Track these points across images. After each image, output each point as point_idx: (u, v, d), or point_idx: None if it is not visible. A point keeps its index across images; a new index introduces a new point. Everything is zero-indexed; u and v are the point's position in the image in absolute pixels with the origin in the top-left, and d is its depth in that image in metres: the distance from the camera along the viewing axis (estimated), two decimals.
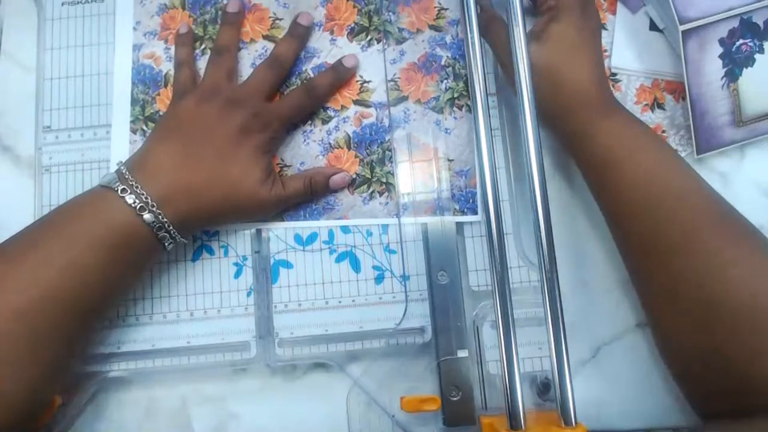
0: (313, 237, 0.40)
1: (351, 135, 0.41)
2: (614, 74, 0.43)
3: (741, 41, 0.39)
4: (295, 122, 0.40)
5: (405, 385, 0.38)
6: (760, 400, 0.30)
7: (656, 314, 0.35)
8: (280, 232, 0.40)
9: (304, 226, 0.40)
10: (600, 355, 0.39)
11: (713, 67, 0.39)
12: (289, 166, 0.40)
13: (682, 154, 0.41)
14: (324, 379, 0.39)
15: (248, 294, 0.39)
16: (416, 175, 0.40)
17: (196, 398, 0.38)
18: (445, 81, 0.41)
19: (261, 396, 0.38)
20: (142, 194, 0.34)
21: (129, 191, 0.34)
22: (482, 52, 0.36)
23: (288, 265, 0.40)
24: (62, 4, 0.43)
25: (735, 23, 0.39)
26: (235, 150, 0.36)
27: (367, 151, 0.40)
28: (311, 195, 0.39)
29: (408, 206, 0.39)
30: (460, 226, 0.40)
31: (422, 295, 0.39)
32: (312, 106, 0.40)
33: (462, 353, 0.37)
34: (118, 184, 0.34)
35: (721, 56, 0.39)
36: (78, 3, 0.43)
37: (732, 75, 0.39)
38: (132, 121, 0.41)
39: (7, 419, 0.30)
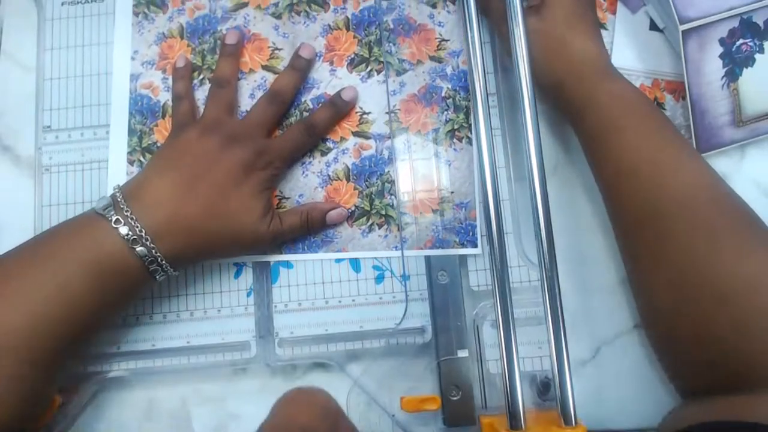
0: None
1: (350, 167, 0.40)
2: None
3: (741, 41, 0.39)
4: (295, 160, 0.40)
5: (405, 385, 0.38)
6: (743, 371, 0.30)
7: (640, 275, 0.36)
8: None
9: (302, 259, 0.39)
10: (600, 355, 0.39)
11: (713, 67, 0.39)
12: (288, 198, 0.40)
13: None
14: (324, 379, 0.39)
15: (248, 294, 0.39)
16: (417, 207, 0.40)
17: (196, 398, 0.38)
18: (445, 112, 0.41)
19: (261, 396, 0.38)
20: (137, 227, 0.33)
21: (123, 222, 0.33)
22: (482, 52, 0.36)
23: (288, 265, 0.40)
24: (62, 3, 0.43)
25: (735, 23, 0.39)
26: (236, 186, 0.36)
27: (367, 183, 0.40)
28: (308, 230, 0.39)
29: (407, 239, 0.39)
30: (463, 258, 0.39)
31: (422, 295, 0.39)
32: (312, 143, 0.40)
33: (462, 353, 0.37)
34: (112, 213, 0.33)
35: (721, 56, 0.39)
36: (78, 3, 0.43)
37: (732, 75, 0.39)
38: (129, 152, 0.41)
39: (3, 422, 0.30)
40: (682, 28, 0.38)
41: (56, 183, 0.41)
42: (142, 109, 0.41)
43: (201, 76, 0.42)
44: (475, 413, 0.37)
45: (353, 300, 0.39)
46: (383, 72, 0.41)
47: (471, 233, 0.39)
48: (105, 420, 0.38)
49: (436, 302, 0.38)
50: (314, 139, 0.40)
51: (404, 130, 0.41)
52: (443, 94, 0.41)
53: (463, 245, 0.39)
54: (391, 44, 0.42)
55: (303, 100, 0.41)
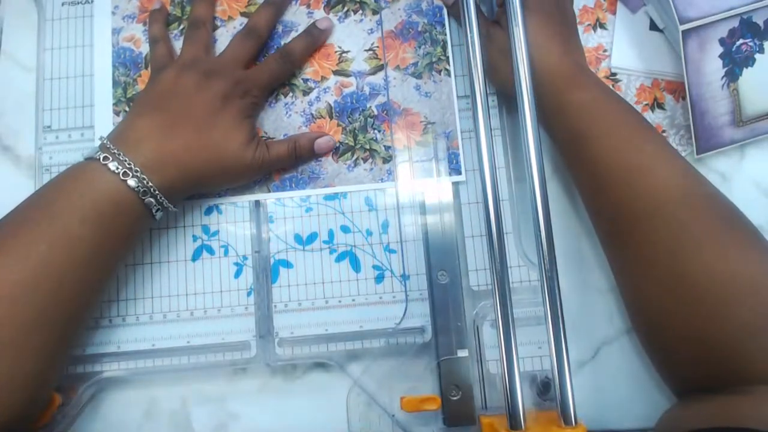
0: (313, 237, 0.40)
1: (332, 104, 0.41)
2: (614, 74, 0.43)
3: (741, 41, 0.39)
4: (273, 89, 0.41)
5: (405, 384, 0.38)
6: (733, 371, 0.31)
7: (625, 278, 0.36)
8: (280, 232, 0.40)
9: (289, 195, 0.40)
10: (600, 356, 0.39)
11: (713, 67, 0.39)
12: (273, 137, 0.41)
13: (683, 154, 0.41)
14: (324, 379, 0.39)
15: (248, 294, 0.39)
16: (400, 140, 0.41)
17: (196, 398, 0.38)
18: (423, 46, 0.42)
19: (261, 396, 0.38)
20: (125, 160, 0.34)
21: (111, 159, 0.34)
22: (482, 52, 0.36)
23: (288, 264, 0.40)
24: (62, 4, 0.43)
25: (735, 23, 0.39)
26: (216, 116, 0.37)
27: (349, 119, 0.41)
28: (296, 159, 0.40)
29: (391, 171, 0.40)
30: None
31: (422, 295, 0.39)
32: (289, 72, 0.41)
33: (462, 353, 0.37)
34: (100, 153, 0.34)
35: (721, 56, 0.39)
36: (78, 3, 0.43)
37: (732, 75, 0.39)
38: (114, 103, 0.42)
39: (2, 416, 0.30)
40: (682, 28, 0.38)
41: None
42: (125, 61, 0.42)
43: (181, 27, 0.42)
44: (475, 413, 0.37)
45: (353, 300, 0.39)
46: (360, 11, 0.42)
47: (455, 161, 0.40)
48: (105, 420, 0.38)
49: (436, 302, 0.38)
50: (290, 66, 0.41)
51: (381, 66, 0.42)
52: (419, 29, 0.42)
53: (448, 174, 0.40)
54: None
55: (281, 43, 0.42)
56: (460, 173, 0.40)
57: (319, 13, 0.43)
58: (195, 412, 0.38)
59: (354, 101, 0.41)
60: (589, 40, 0.43)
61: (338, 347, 0.38)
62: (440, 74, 0.42)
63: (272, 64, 0.40)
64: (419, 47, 0.42)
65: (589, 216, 0.38)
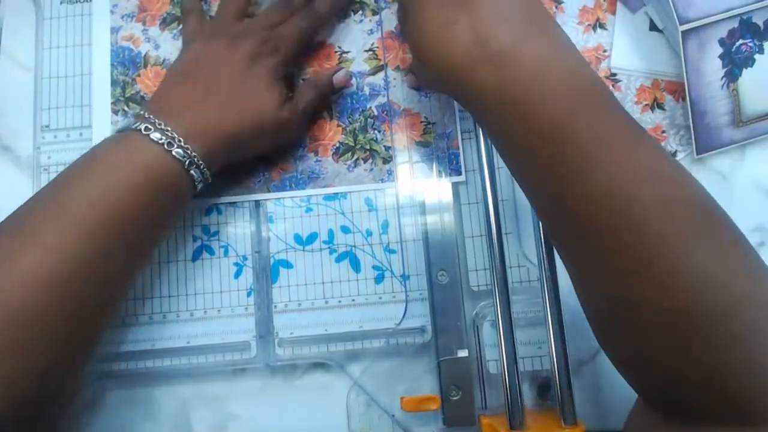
0: (313, 237, 0.40)
1: (333, 105, 0.41)
2: (614, 74, 0.43)
3: (741, 41, 0.39)
4: (302, 48, 0.40)
5: (405, 385, 0.38)
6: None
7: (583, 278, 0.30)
8: (280, 232, 0.40)
9: (289, 195, 0.40)
10: (600, 356, 0.39)
11: (713, 67, 0.39)
12: None
13: (682, 155, 0.41)
14: (324, 379, 0.39)
15: (248, 294, 0.39)
16: (400, 141, 0.41)
17: (196, 398, 0.38)
18: None
19: (261, 396, 0.38)
20: (167, 130, 0.33)
21: (153, 129, 0.33)
22: None
23: (288, 265, 0.40)
24: (60, 2, 0.43)
25: (735, 23, 0.39)
26: (248, 78, 0.36)
27: (350, 119, 0.41)
28: (321, 101, 0.40)
29: (391, 171, 0.40)
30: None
31: (422, 295, 0.39)
32: (317, 26, 0.40)
33: (462, 353, 0.37)
34: (139, 124, 0.33)
35: (721, 56, 0.39)
36: (77, 2, 0.43)
37: (732, 75, 0.39)
38: (113, 102, 0.41)
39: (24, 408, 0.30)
40: (681, 28, 0.38)
41: None
42: (124, 61, 0.42)
43: (180, 26, 0.42)
44: (475, 413, 0.37)
45: (353, 300, 0.39)
46: (360, 12, 0.42)
47: (455, 161, 0.40)
48: (105, 420, 0.38)
49: (436, 302, 0.38)
50: (317, 23, 0.40)
51: (381, 66, 0.42)
52: None
53: (449, 174, 0.40)
54: None
55: None
56: (460, 173, 0.40)
57: None
58: (195, 412, 0.38)
59: (354, 101, 0.41)
60: (589, 40, 0.43)
61: (338, 347, 0.38)
62: None
63: (299, 21, 0.39)
64: None
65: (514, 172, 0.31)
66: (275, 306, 0.39)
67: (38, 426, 0.32)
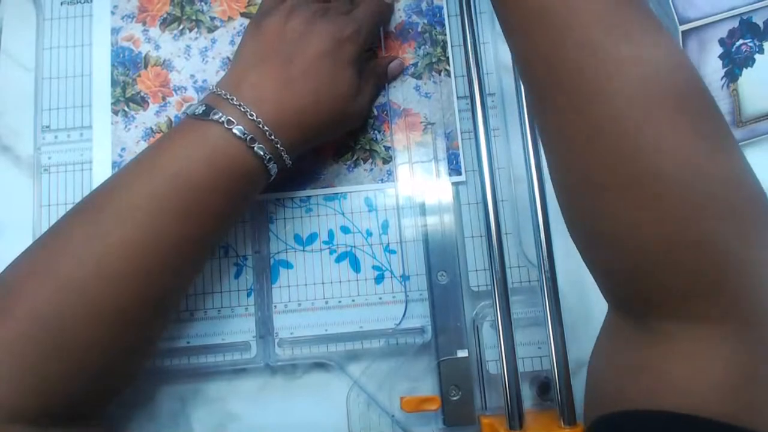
0: (313, 237, 0.40)
1: None
2: None
3: (741, 41, 0.39)
4: (374, 35, 0.39)
5: (405, 385, 0.38)
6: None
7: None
8: (280, 232, 0.40)
9: (289, 195, 0.40)
10: None
11: (713, 68, 0.39)
12: None
13: None
14: (324, 379, 0.39)
15: (248, 294, 0.39)
16: (400, 141, 0.41)
17: (196, 398, 0.38)
18: (423, 47, 0.42)
19: (261, 396, 0.38)
20: (258, 121, 0.31)
21: (236, 122, 0.31)
22: (482, 51, 0.36)
23: (288, 265, 0.40)
24: (61, 3, 0.43)
25: (735, 23, 0.39)
26: (334, 64, 0.34)
27: None
28: (380, 89, 0.41)
29: (391, 171, 0.40)
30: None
31: (422, 295, 0.39)
32: (389, 13, 0.41)
33: (462, 353, 0.37)
34: (221, 115, 0.31)
35: (721, 56, 0.39)
36: (77, 2, 0.43)
37: (732, 75, 0.39)
38: (113, 103, 0.41)
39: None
40: (681, 28, 0.38)
41: (55, 183, 0.41)
42: (124, 61, 0.42)
43: (181, 26, 0.42)
44: (475, 413, 0.37)
45: (353, 300, 0.39)
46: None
47: (455, 162, 0.40)
48: (104, 420, 0.38)
49: (436, 302, 0.38)
50: (387, 9, 0.40)
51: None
52: (419, 30, 0.42)
53: (448, 174, 0.40)
54: None
55: None
56: (460, 173, 0.40)
57: None
58: (195, 412, 0.38)
59: None
60: None
61: (338, 347, 0.38)
62: (440, 75, 0.42)
63: (372, 6, 0.38)
64: (419, 48, 0.42)
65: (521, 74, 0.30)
66: (275, 306, 0.39)
67: (92, 422, 0.32)
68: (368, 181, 0.40)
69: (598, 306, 0.40)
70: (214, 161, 0.31)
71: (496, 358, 0.37)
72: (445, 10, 0.42)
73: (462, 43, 0.40)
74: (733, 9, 0.38)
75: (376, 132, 0.41)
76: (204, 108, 0.32)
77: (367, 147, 0.41)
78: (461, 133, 0.41)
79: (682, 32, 0.38)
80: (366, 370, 0.38)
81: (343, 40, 0.35)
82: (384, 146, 0.41)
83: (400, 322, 0.39)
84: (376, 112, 0.41)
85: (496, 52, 0.42)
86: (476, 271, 0.39)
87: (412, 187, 0.40)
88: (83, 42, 0.43)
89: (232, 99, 0.31)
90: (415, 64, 0.42)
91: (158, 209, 0.30)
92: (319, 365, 0.39)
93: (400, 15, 0.42)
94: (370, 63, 0.40)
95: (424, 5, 0.43)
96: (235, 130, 0.31)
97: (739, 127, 0.40)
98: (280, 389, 0.39)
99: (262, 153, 0.31)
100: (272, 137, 0.32)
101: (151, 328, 0.33)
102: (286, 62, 0.33)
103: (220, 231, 0.34)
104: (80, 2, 0.43)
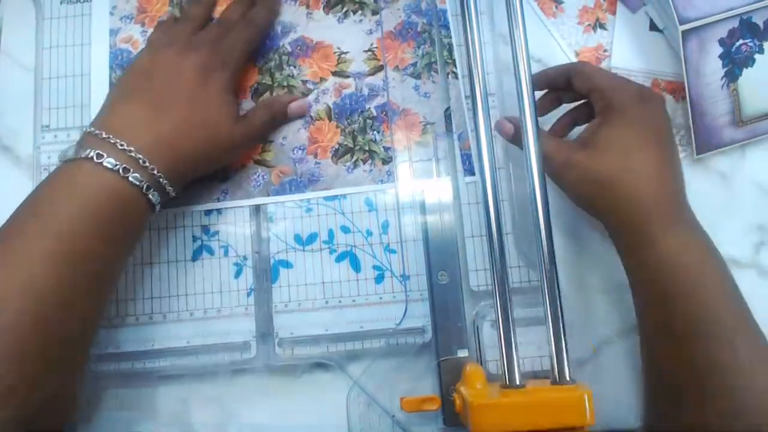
0: (313, 237, 0.40)
1: (331, 106, 0.41)
2: None
3: (741, 41, 0.39)
4: (246, 59, 0.39)
5: (405, 385, 0.38)
6: None
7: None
8: (280, 232, 0.40)
9: (289, 199, 0.40)
10: (600, 356, 0.39)
11: (713, 68, 0.39)
12: (272, 141, 0.41)
13: (682, 154, 0.41)
14: (324, 379, 0.39)
15: (248, 294, 0.39)
16: (400, 141, 0.41)
17: (196, 398, 0.38)
18: (422, 47, 0.42)
19: (261, 396, 0.38)
20: (129, 151, 0.31)
21: (106, 154, 0.31)
22: (482, 51, 0.36)
23: (288, 265, 0.40)
24: (60, 2, 0.43)
25: (735, 23, 0.39)
26: (204, 92, 0.35)
27: (348, 120, 0.41)
28: (273, 125, 0.40)
29: (391, 172, 0.40)
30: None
31: (422, 295, 0.39)
32: (257, 36, 0.40)
33: (462, 353, 0.37)
34: (90, 151, 0.31)
35: (721, 56, 0.39)
36: (77, 1, 0.43)
37: (732, 75, 0.39)
38: None
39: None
40: (681, 28, 0.38)
41: None
42: (123, 63, 0.42)
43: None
44: None
45: (353, 300, 0.39)
46: (359, 12, 0.42)
47: (468, 162, 0.40)
48: (105, 420, 0.38)
49: (436, 302, 0.38)
50: (257, 33, 0.40)
51: (380, 66, 0.42)
52: (419, 29, 0.42)
53: (464, 175, 0.40)
54: None
55: (281, 44, 0.42)
56: (473, 174, 0.40)
57: (319, 14, 0.43)
58: (195, 412, 0.38)
59: (353, 102, 0.41)
60: (589, 40, 0.43)
61: (338, 347, 0.38)
62: (438, 74, 0.41)
63: (241, 33, 0.39)
64: (418, 47, 0.42)
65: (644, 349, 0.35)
66: (275, 306, 0.39)
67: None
68: (368, 182, 0.40)
69: (598, 306, 0.40)
70: (87, 198, 0.31)
71: (496, 358, 0.37)
72: (449, 12, 0.42)
73: (462, 44, 0.40)
74: (733, 9, 0.38)
75: (375, 132, 0.41)
76: (74, 148, 0.32)
77: (367, 148, 0.41)
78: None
79: (682, 32, 0.38)
80: (366, 370, 0.38)
81: (210, 70, 0.36)
82: (383, 147, 0.41)
83: (400, 322, 0.39)
84: (375, 113, 0.41)
85: (496, 52, 0.42)
86: (476, 271, 0.39)
87: (412, 186, 0.40)
88: (83, 41, 0.43)
89: (101, 134, 0.32)
90: (414, 64, 0.42)
91: (45, 254, 0.30)
92: (319, 365, 0.39)
93: (399, 15, 0.42)
94: (266, 97, 0.41)
95: (423, 5, 0.43)
96: (105, 163, 0.31)
97: (739, 127, 0.40)
98: (280, 389, 0.39)
99: (138, 182, 0.31)
100: (146, 164, 0.32)
101: (53, 371, 0.31)
102: (157, 94, 0.34)
103: (110, 265, 0.33)
104: (79, 1, 0.43)
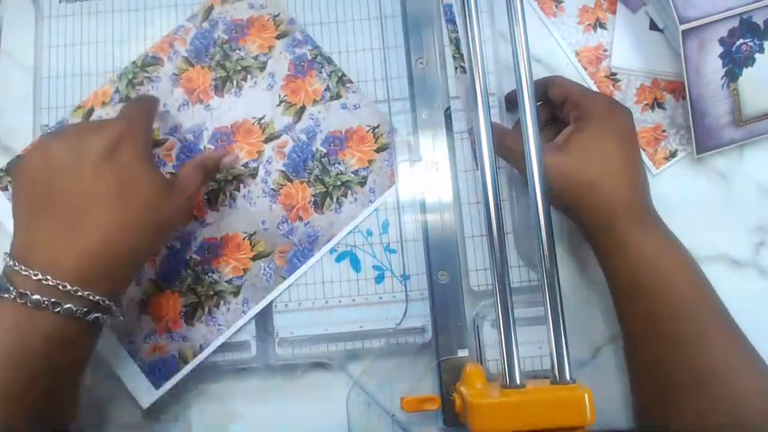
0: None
1: (284, 169, 0.40)
2: (614, 74, 0.42)
3: (741, 41, 0.39)
4: (149, 126, 0.35)
5: (405, 384, 0.38)
6: None
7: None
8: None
9: (302, 272, 0.39)
10: (600, 355, 0.39)
11: (713, 67, 0.39)
12: (254, 233, 0.39)
13: (682, 154, 0.41)
14: (324, 379, 0.39)
15: None
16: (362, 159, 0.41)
17: (196, 398, 0.38)
18: (323, 69, 0.42)
19: (261, 396, 0.38)
20: (59, 284, 0.28)
21: (31, 293, 0.28)
22: (482, 51, 0.36)
23: None
24: (60, 1, 0.43)
25: (735, 23, 0.39)
26: (118, 171, 0.30)
27: (307, 171, 0.40)
28: (209, 179, 0.38)
29: (374, 189, 0.40)
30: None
31: (422, 295, 0.39)
32: (152, 102, 0.37)
33: (462, 353, 0.37)
34: (12, 291, 0.28)
35: (721, 56, 0.39)
36: (76, 0, 0.43)
37: (732, 75, 0.39)
38: None
39: None
40: (682, 28, 0.38)
41: None
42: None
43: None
44: None
45: (353, 300, 0.39)
46: (248, 77, 0.41)
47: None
48: (104, 420, 0.38)
49: (436, 302, 0.38)
50: (149, 102, 0.36)
51: (303, 108, 0.41)
52: (309, 58, 0.42)
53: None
54: (237, 51, 0.42)
55: (202, 146, 0.41)
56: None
57: (215, 101, 0.41)
58: (195, 412, 0.38)
59: (299, 153, 0.40)
60: (589, 39, 0.43)
61: (338, 347, 0.38)
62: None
63: (136, 105, 0.35)
64: (320, 72, 0.41)
65: (625, 339, 0.36)
66: (275, 306, 0.39)
67: None
68: (360, 211, 0.40)
69: (598, 306, 0.40)
70: (13, 342, 0.28)
71: (496, 358, 0.37)
72: (455, 7, 0.42)
73: (463, 43, 0.40)
74: (733, 8, 0.38)
75: (337, 165, 0.40)
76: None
77: (339, 183, 0.40)
78: (461, 133, 0.41)
79: (683, 32, 0.38)
80: (366, 370, 0.38)
81: (117, 140, 0.31)
82: (351, 171, 0.40)
83: (400, 322, 0.39)
84: (324, 149, 0.40)
85: (497, 52, 0.42)
86: (476, 270, 0.39)
87: (412, 186, 0.40)
88: (82, 40, 0.43)
89: (21, 269, 0.28)
90: (327, 89, 0.41)
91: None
92: (319, 365, 0.39)
93: (285, 56, 0.42)
94: (195, 157, 0.37)
95: (298, 35, 0.42)
96: (30, 303, 0.27)
97: (739, 127, 0.40)
98: (280, 389, 0.39)
99: (72, 311, 0.28)
100: (80, 293, 0.28)
101: None
102: (65, 204, 0.29)
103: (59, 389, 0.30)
104: (79, 0, 0.43)
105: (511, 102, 0.40)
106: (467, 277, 0.39)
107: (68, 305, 0.28)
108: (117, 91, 0.41)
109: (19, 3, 0.43)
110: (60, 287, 0.28)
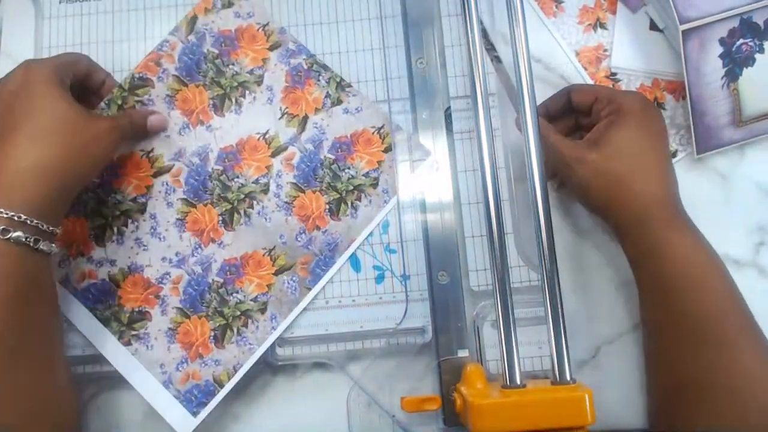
0: None
1: (295, 180, 0.40)
2: (614, 74, 0.43)
3: (741, 41, 0.39)
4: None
5: (405, 385, 0.38)
6: None
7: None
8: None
9: (327, 280, 0.39)
10: (600, 355, 0.39)
11: (713, 67, 0.39)
12: (272, 248, 0.39)
13: (682, 154, 0.41)
14: (324, 379, 0.39)
15: None
16: (371, 162, 0.40)
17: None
18: (321, 77, 0.41)
19: (262, 396, 0.38)
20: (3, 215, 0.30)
21: None
22: (482, 51, 0.36)
23: None
24: (60, 2, 0.43)
25: (735, 23, 0.39)
26: (27, 92, 0.33)
27: (318, 180, 0.40)
28: (133, 131, 0.38)
29: (387, 189, 0.40)
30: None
31: (422, 295, 0.39)
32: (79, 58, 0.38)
33: (462, 353, 0.37)
34: None
35: (721, 56, 0.39)
36: (76, 1, 0.43)
37: (732, 75, 0.39)
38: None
39: None
40: (682, 28, 0.38)
41: None
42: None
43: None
44: None
45: (353, 300, 0.39)
46: (246, 92, 0.41)
47: None
48: (105, 420, 0.38)
49: (436, 302, 0.38)
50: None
51: (306, 118, 0.41)
52: (305, 67, 0.41)
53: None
54: (231, 66, 0.41)
55: (211, 170, 0.40)
56: None
57: (216, 121, 0.41)
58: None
59: (308, 163, 0.40)
60: (590, 39, 0.43)
61: (338, 347, 0.38)
62: (352, 86, 0.41)
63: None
64: (318, 80, 0.41)
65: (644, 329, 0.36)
66: None
67: None
68: (376, 212, 0.40)
69: (599, 306, 0.40)
70: None
71: (496, 358, 0.37)
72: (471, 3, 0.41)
73: (463, 43, 0.40)
74: (733, 8, 0.38)
75: (347, 170, 0.40)
76: None
77: (351, 187, 0.40)
78: (461, 133, 0.41)
79: (683, 32, 0.38)
80: (366, 370, 0.38)
81: (30, 69, 0.33)
82: (362, 174, 0.40)
83: (400, 322, 0.39)
84: (332, 156, 0.40)
85: (497, 52, 0.42)
86: (476, 271, 0.39)
87: (412, 186, 0.40)
88: (82, 41, 0.43)
89: None
90: (327, 95, 0.41)
91: None
92: (320, 365, 0.39)
93: (281, 68, 0.41)
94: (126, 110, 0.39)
95: (291, 45, 0.42)
96: None
97: (739, 127, 0.40)
98: (280, 389, 0.39)
99: (23, 239, 0.30)
100: (31, 220, 0.30)
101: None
102: (7, 126, 0.32)
103: (25, 333, 0.31)
104: (79, 0, 0.43)
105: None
106: (467, 277, 0.39)
107: (18, 231, 0.30)
108: None
109: (19, 3, 0.43)
110: (5, 215, 0.30)
